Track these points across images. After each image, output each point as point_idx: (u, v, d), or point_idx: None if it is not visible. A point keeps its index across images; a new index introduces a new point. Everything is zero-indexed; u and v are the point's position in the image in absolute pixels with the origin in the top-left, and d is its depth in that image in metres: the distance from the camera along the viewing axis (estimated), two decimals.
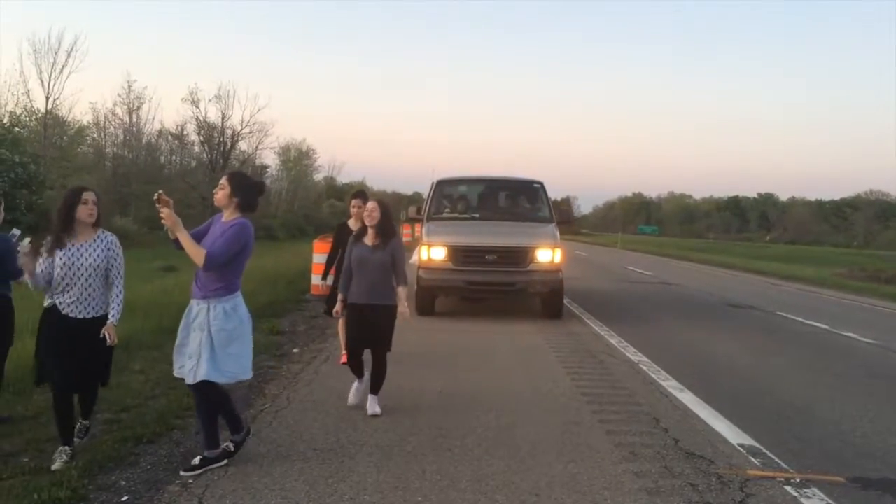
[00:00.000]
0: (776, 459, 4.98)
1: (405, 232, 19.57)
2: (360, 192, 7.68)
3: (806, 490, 4.43)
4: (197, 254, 4.23)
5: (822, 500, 4.29)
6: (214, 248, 4.25)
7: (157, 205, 4.25)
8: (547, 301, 11.32)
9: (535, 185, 12.68)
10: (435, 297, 11.32)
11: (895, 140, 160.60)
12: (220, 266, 4.30)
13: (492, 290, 11.01)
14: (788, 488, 4.46)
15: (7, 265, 5.05)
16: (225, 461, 4.48)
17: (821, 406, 6.73)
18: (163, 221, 4.23)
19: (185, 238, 4.27)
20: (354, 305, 5.82)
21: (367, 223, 5.88)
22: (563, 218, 12.38)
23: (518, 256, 10.75)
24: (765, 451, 5.15)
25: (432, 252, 10.85)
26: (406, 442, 5.12)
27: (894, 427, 6.10)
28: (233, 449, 4.56)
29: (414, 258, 11.67)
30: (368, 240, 5.86)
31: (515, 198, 12.88)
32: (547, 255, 10.84)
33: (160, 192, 4.27)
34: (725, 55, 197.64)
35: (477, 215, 12.18)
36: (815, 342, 10.76)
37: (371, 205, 5.92)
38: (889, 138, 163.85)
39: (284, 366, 7.53)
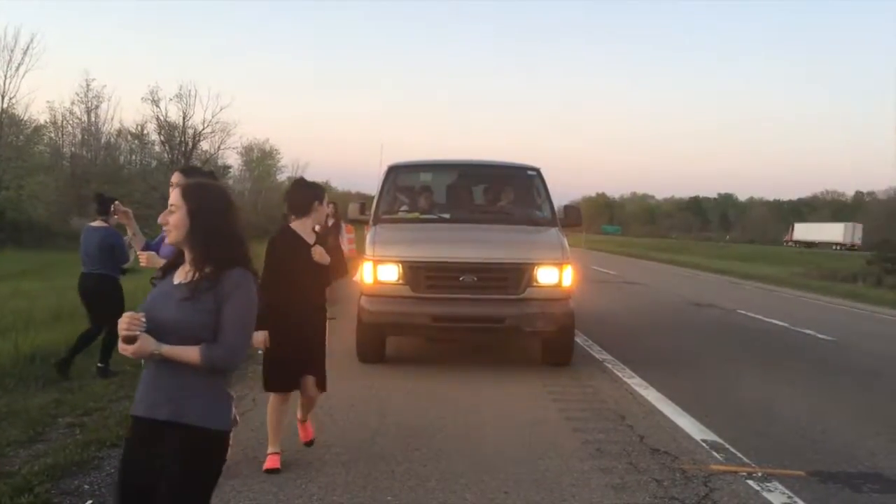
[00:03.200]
0: (738, 454, 5.08)
1: (349, 237, 13.29)
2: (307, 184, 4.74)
3: (767, 484, 4.53)
4: None
5: (784, 493, 4.38)
6: None
7: (115, 216, 4.22)
8: (551, 343, 7.77)
9: (530, 172, 8.98)
10: (384, 339, 7.80)
11: (850, 141, 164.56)
12: None
13: (469, 328, 7.41)
14: (751, 482, 4.55)
15: (117, 255, 6.63)
16: None
17: (781, 402, 6.87)
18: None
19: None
20: (137, 421, 2.48)
21: (167, 238, 2.66)
22: (571, 220, 8.60)
23: (508, 277, 7.23)
24: (727, 446, 5.25)
25: (380, 271, 7.29)
26: (374, 442, 5.11)
27: (852, 422, 6.27)
28: None
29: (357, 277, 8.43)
30: (180, 273, 2.55)
31: (501, 191, 8.94)
32: (551, 274, 7.29)
33: (117, 202, 4.24)
34: (684, 58, 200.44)
35: (447, 215, 8.44)
36: (774, 339, 10.98)
37: (173, 196, 2.56)
38: (844, 139, 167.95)
39: (250, 367, 7.42)
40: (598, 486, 4.42)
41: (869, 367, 9.11)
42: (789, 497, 4.32)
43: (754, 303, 16.68)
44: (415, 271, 7.23)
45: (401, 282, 7.26)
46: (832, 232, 70.81)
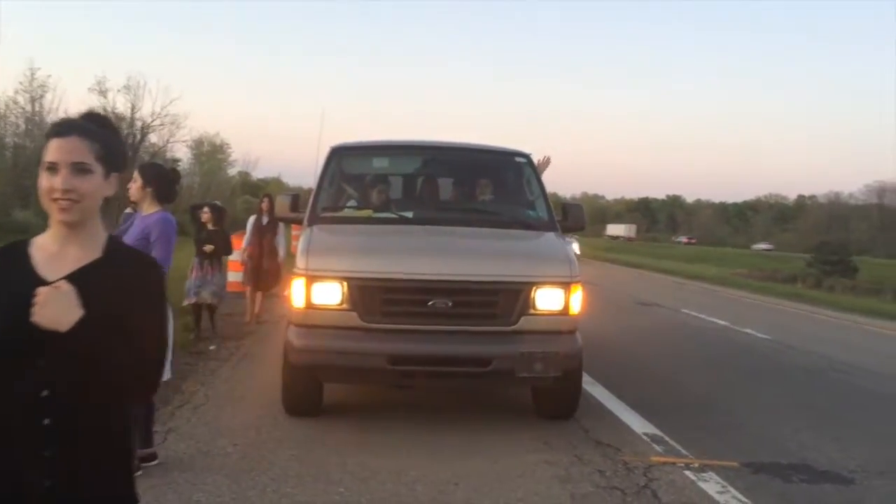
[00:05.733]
0: (677, 447, 5.31)
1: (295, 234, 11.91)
2: None
3: (703, 474, 4.76)
4: None
5: (718, 483, 4.61)
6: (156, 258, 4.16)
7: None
8: (550, 392, 5.77)
9: (518, 158, 6.87)
10: (320, 386, 5.66)
11: (793, 145, 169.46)
12: (168, 266, 4.24)
13: (441, 373, 5.32)
14: (688, 473, 4.78)
15: None
16: (140, 472, 4.10)
17: (720, 397, 7.17)
18: None
19: None
20: None
21: None
22: (573, 222, 6.65)
23: (496, 301, 5.29)
24: (667, 439, 5.47)
25: (316, 291, 5.19)
26: (327, 436, 5.20)
27: (785, 416, 6.57)
28: None
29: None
30: None
31: (481, 183, 6.82)
32: (555, 297, 5.34)
33: None
34: (634, 61, 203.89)
35: (409, 214, 6.36)
36: (716, 338, 11.37)
37: None
38: (787, 143, 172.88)
39: (201, 363, 7.46)
40: (545, 477, 4.59)
41: (802, 364, 9.51)
42: (723, 486, 4.55)
43: (698, 303, 17.16)
44: (365, 292, 5.15)
45: (345, 307, 5.15)
46: (620, 230, 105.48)
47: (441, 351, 5.19)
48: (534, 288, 5.29)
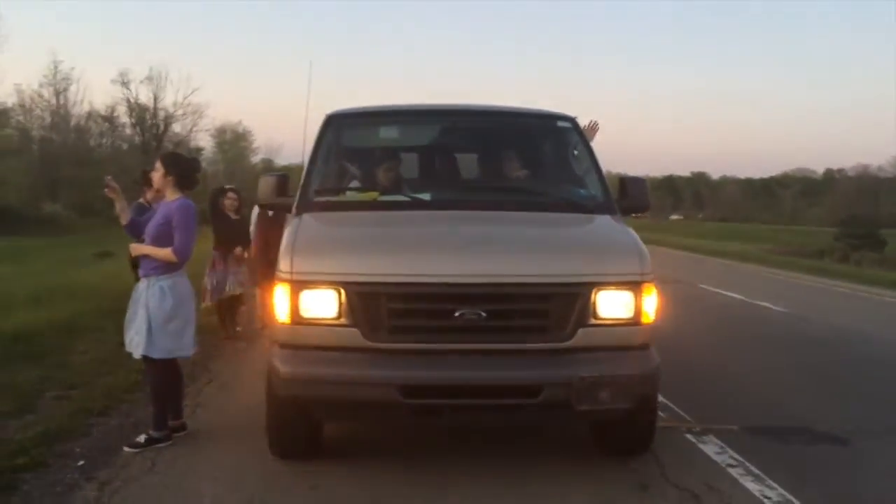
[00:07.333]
0: (681, 412, 5.52)
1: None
2: None
3: (703, 437, 4.98)
4: (166, 255, 4.52)
5: (717, 445, 4.84)
6: (177, 244, 4.50)
7: (105, 190, 4.54)
8: (619, 425, 4.45)
9: (562, 123, 5.44)
10: (317, 424, 4.45)
11: (819, 119, 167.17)
12: (189, 250, 4.59)
13: (473, 407, 3.97)
14: (689, 436, 5.01)
15: None
16: (171, 441, 4.59)
17: (726, 366, 7.39)
18: (133, 253, 4.82)
19: (150, 251, 4.57)
20: None
21: None
22: (634, 202, 5.02)
23: (546, 310, 3.97)
24: (672, 405, 5.68)
25: (305, 301, 3.92)
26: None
27: (787, 383, 6.77)
28: (143, 441, 4.50)
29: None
30: None
31: (514, 155, 5.43)
32: (622, 302, 4.10)
33: (109, 177, 4.56)
34: (657, 38, 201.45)
35: (426, 196, 4.92)
36: (730, 311, 11.55)
37: None
38: (814, 117, 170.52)
39: (229, 344, 7.80)
40: (556, 440, 4.88)
41: (813, 334, 9.68)
42: (721, 448, 4.78)
43: (717, 278, 17.27)
44: (370, 302, 3.89)
45: (343, 321, 3.90)
46: None
47: (472, 378, 3.90)
48: (595, 290, 4.00)
